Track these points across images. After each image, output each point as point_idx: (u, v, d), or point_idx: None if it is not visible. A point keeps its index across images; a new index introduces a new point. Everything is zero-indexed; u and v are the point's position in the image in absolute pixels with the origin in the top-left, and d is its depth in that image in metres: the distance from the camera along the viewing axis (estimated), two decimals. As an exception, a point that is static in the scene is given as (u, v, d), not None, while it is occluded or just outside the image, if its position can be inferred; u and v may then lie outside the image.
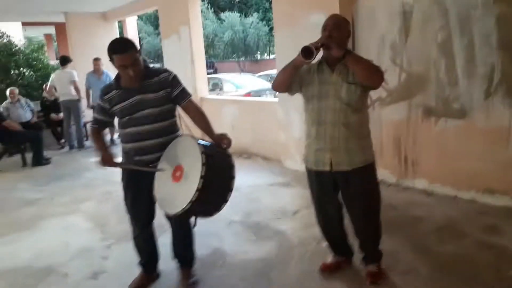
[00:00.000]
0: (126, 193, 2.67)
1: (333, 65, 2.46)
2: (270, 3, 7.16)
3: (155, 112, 2.50)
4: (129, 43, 2.45)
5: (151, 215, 2.71)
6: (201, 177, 2.16)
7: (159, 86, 2.50)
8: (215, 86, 11.76)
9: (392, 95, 4.35)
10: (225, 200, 2.39)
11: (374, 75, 2.39)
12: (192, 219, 2.44)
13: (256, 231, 3.58)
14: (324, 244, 3.03)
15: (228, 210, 4.03)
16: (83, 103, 7.77)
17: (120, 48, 2.39)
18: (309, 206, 3.88)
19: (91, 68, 7.64)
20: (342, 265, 2.84)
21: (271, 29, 23.45)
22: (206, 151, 2.26)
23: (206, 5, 24.73)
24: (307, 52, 2.23)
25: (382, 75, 2.44)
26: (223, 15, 25.06)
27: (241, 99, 7.45)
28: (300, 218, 3.77)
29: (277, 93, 5.87)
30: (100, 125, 2.70)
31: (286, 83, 2.52)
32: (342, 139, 2.46)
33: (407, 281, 2.66)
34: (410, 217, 3.62)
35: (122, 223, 3.69)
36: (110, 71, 7.44)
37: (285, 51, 5.02)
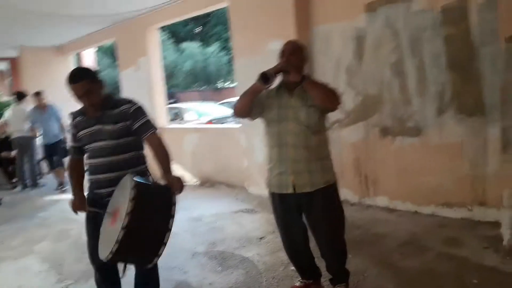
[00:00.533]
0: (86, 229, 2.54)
1: (292, 89, 2.49)
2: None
3: (110, 144, 2.39)
4: (84, 72, 2.39)
5: None
6: (127, 213, 1.98)
7: (118, 117, 2.39)
8: (176, 116, 11.68)
9: (349, 117, 4.46)
10: (163, 242, 2.10)
11: (331, 98, 2.44)
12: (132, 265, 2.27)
13: (222, 261, 3.49)
14: (292, 268, 2.99)
15: (191, 241, 4.00)
16: (37, 140, 7.49)
17: (73, 78, 2.33)
18: (274, 231, 3.86)
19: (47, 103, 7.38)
20: (311, 287, 2.79)
21: (231, 58, 23.78)
22: (139, 187, 2.08)
23: (167, 35, 24.81)
24: (265, 78, 2.28)
25: (339, 98, 2.49)
26: (183, 45, 25.20)
27: (202, 127, 7.42)
28: (266, 244, 3.71)
29: (239, 119, 5.90)
30: (77, 154, 2.54)
31: (246, 108, 2.53)
32: (303, 161, 2.47)
33: (374, 299, 2.65)
34: (374, 234, 3.66)
35: (80, 262, 3.52)
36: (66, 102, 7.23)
37: (245, 78, 5.04)
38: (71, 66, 9.79)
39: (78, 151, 2.54)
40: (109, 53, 26.33)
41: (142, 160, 2.53)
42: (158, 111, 7.10)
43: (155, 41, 7.21)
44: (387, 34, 4.06)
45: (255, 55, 4.95)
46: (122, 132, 2.40)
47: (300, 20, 4.57)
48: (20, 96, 7.47)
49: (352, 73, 4.39)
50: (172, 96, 23.11)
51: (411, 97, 3.98)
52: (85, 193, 2.53)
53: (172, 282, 3.18)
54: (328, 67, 4.55)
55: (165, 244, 2.10)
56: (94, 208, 2.45)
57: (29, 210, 5.86)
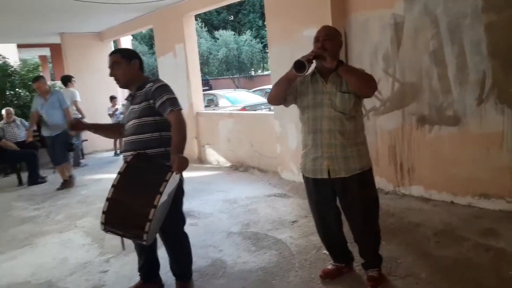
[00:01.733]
0: None
1: (327, 75, 2.51)
2: (263, 21, 7.26)
3: (134, 124, 2.53)
4: (119, 49, 2.65)
5: None
6: (112, 185, 2.13)
7: (143, 97, 2.52)
8: (211, 102, 11.83)
9: (386, 105, 4.42)
10: (148, 218, 2.10)
11: (367, 85, 2.45)
12: (130, 240, 2.38)
13: (255, 241, 3.58)
14: (324, 251, 3.04)
15: (226, 222, 4.12)
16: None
17: (111, 52, 2.68)
18: (307, 216, 3.92)
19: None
20: (343, 271, 2.83)
21: (264, 46, 23.75)
22: (131, 162, 2.20)
23: (200, 24, 25.04)
24: (299, 65, 2.29)
25: (375, 84, 2.50)
26: (217, 34, 25.37)
27: (236, 113, 7.50)
28: (299, 228, 3.77)
29: (272, 106, 5.94)
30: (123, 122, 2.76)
31: (281, 96, 2.58)
32: (338, 147, 2.49)
33: (407, 285, 2.66)
34: (408, 223, 3.64)
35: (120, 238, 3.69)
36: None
37: (279, 66, 5.10)
38: (110, 52, 10.09)
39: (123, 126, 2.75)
40: (145, 40, 26.89)
41: (164, 142, 2.51)
42: (194, 97, 7.26)
43: (191, 28, 7.31)
44: (426, 21, 3.98)
45: (290, 42, 4.96)
46: (144, 111, 2.49)
47: (336, 6, 4.53)
48: (66, 79, 7.81)
49: (389, 61, 4.33)
50: (206, 83, 23.40)
51: (450, 85, 3.90)
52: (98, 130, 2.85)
53: (208, 260, 3.30)
54: (365, 54, 4.51)
55: (150, 221, 2.10)
56: None
57: (71, 187, 6.16)
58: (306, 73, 2.35)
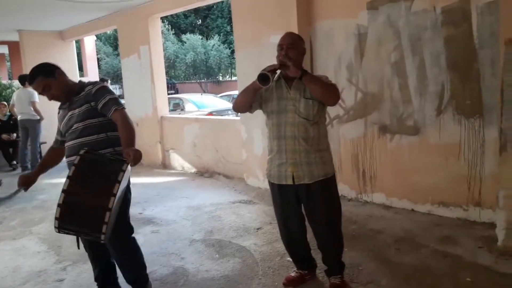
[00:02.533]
0: None
1: (291, 81, 2.53)
2: (231, 26, 7.28)
3: (78, 127, 2.47)
4: (37, 71, 2.47)
5: None
6: (67, 177, 2.05)
7: (83, 100, 2.48)
8: (177, 106, 11.67)
9: (349, 113, 4.49)
10: (106, 207, 2.03)
11: (331, 94, 2.48)
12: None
13: (219, 249, 3.53)
14: (288, 258, 3.03)
15: (189, 229, 4.04)
16: (42, 123, 7.58)
17: (29, 79, 2.52)
18: (271, 222, 3.92)
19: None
20: (306, 278, 2.84)
21: (232, 51, 23.73)
22: (84, 155, 2.13)
23: (167, 26, 24.73)
24: (263, 78, 2.30)
25: (338, 94, 2.54)
26: (184, 37, 25.13)
27: (202, 118, 7.44)
28: (263, 234, 3.76)
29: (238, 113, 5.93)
30: (56, 144, 2.71)
31: (246, 104, 2.58)
32: (302, 153, 2.51)
33: (368, 292, 2.70)
34: (370, 230, 3.70)
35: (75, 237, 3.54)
36: None
37: (246, 70, 5.10)
38: (72, 52, 9.77)
39: (58, 142, 2.69)
40: (109, 42, 26.27)
41: (112, 142, 2.48)
42: (159, 100, 7.13)
43: (157, 30, 7.21)
44: (388, 32, 4.09)
45: (257, 47, 4.97)
46: (86, 114, 2.45)
47: (302, 14, 4.59)
48: (23, 79, 7.56)
49: (353, 70, 4.42)
50: (173, 87, 23.13)
51: (411, 96, 4.02)
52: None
53: (169, 268, 3.22)
54: (329, 62, 4.58)
55: (110, 210, 2.03)
56: None
57: (28, 192, 5.83)
58: (271, 84, 2.36)
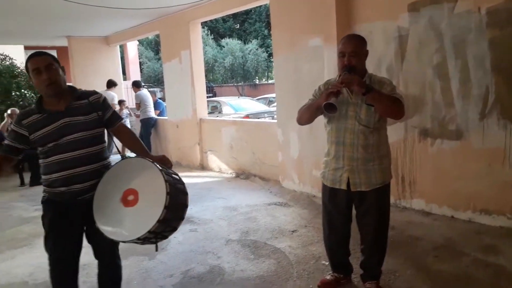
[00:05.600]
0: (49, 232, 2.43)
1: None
2: (269, 30, 7.31)
3: (85, 136, 2.27)
4: (49, 53, 2.26)
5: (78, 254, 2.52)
6: (167, 193, 2.07)
7: (90, 108, 2.31)
8: (214, 109, 11.86)
9: (389, 117, 4.42)
10: (175, 229, 2.31)
11: (394, 111, 2.40)
12: (146, 245, 2.30)
13: (254, 249, 3.57)
14: (323, 262, 3.04)
15: (225, 229, 4.11)
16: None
17: (35, 53, 2.22)
18: (306, 226, 3.92)
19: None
20: (341, 282, 2.82)
21: (269, 55, 23.83)
22: (167, 178, 2.14)
23: (206, 31, 25.19)
24: (330, 108, 2.30)
25: (403, 110, 2.42)
26: (223, 42, 25.51)
27: (240, 120, 7.52)
28: (298, 237, 3.76)
29: (276, 115, 5.96)
30: (8, 152, 2.28)
31: (311, 120, 2.62)
32: (360, 160, 2.47)
33: (405, 298, 2.65)
34: (408, 236, 3.63)
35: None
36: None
37: (284, 75, 5.13)
38: (117, 56, 10.18)
39: (13, 151, 2.29)
40: (150, 46, 27.06)
41: (106, 153, 2.45)
42: (198, 103, 7.30)
43: (197, 35, 7.38)
44: (430, 34, 4.00)
45: (295, 52, 4.98)
46: (95, 123, 2.32)
47: (341, 17, 4.55)
48: (109, 84, 8.50)
49: (393, 73, 4.34)
50: (211, 90, 23.50)
51: (453, 99, 3.91)
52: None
53: (206, 266, 3.29)
54: (369, 66, 4.48)
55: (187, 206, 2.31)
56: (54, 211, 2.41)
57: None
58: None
